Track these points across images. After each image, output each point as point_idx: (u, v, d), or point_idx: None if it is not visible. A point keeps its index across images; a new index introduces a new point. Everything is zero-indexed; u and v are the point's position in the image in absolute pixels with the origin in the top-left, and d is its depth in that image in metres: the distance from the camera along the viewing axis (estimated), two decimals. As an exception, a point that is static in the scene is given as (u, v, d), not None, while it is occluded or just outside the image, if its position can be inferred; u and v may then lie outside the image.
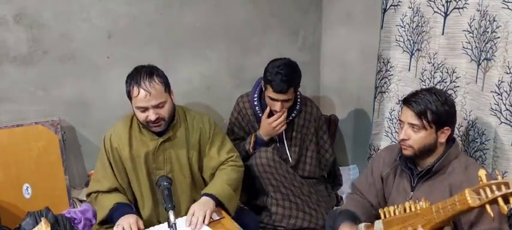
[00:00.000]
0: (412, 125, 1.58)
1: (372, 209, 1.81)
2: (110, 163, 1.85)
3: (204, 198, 1.77)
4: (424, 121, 1.56)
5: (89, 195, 1.89)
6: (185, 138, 1.89)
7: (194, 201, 1.93)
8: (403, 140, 1.61)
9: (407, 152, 1.62)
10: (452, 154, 1.61)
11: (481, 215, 1.48)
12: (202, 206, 1.72)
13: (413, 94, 1.62)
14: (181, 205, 1.91)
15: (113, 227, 1.70)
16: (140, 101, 1.71)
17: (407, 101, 1.61)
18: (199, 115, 1.96)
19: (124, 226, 1.65)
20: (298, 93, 2.26)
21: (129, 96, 1.76)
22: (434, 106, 1.55)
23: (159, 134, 1.83)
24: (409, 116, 1.58)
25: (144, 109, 1.73)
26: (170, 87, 1.81)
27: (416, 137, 1.58)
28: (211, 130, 1.94)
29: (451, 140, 1.65)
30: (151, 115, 1.72)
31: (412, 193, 1.67)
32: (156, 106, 1.73)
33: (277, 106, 2.11)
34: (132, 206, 1.83)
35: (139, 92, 1.70)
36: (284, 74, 2.04)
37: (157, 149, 1.84)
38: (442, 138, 1.60)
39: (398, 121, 1.69)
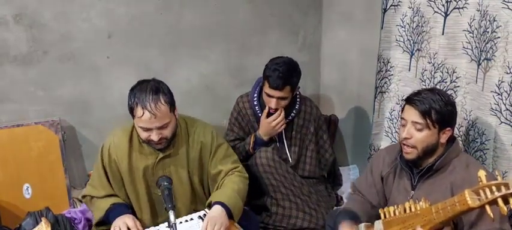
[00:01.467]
0: (415, 124, 1.57)
1: (372, 209, 1.80)
2: (106, 173, 1.80)
3: (218, 208, 1.66)
4: (428, 121, 1.55)
5: (84, 197, 1.87)
6: (186, 152, 1.82)
7: (194, 211, 1.89)
8: (405, 139, 1.59)
9: (410, 156, 1.60)
10: (453, 152, 1.61)
11: (481, 215, 1.47)
12: (219, 220, 1.62)
13: (416, 94, 1.61)
14: (181, 216, 1.87)
15: (109, 228, 1.70)
16: (144, 122, 1.63)
17: (411, 100, 1.59)
18: (202, 127, 1.87)
19: (120, 226, 1.63)
20: (297, 93, 2.26)
21: (132, 113, 1.67)
22: (438, 106, 1.55)
23: (160, 149, 1.76)
24: (413, 115, 1.57)
25: (147, 130, 1.65)
26: (175, 104, 1.72)
27: (419, 136, 1.57)
28: (213, 142, 1.86)
29: (451, 140, 1.65)
30: (154, 136, 1.65)
31: (412, 192, 1.66)
32: (160, 128, 1.65)
33: (272, 103, 2.11)
34: (128, 206, 1.80)
35: (143, 113, 1.60)
36: (281, 71, 2.05)
37: (156, 164, 1.78)
38: (443, 139, 1.59)
39: (400, 121, 1.67)
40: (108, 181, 1.81)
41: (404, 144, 1.62)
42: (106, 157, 1.79)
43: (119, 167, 1.78)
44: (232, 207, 1.69)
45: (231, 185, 1.78)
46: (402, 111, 1.66)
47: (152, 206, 1.85)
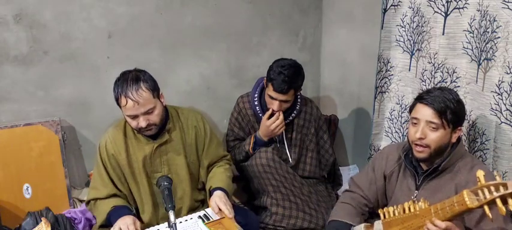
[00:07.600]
0: (430, 123, 1.53)
1: (365, 207, 1.80)
2: (107, 171, 1.84)
3: (219, 192, 1.80)
4: (443, 120, 1.51)
5: (88, 203, 1.89)
6: (181, 138, 1.89)
7: (195, 200, 1.97)
8: (419, 139, 1.55)
9: (423, 154, 1.56)
10: (458, 153, 1.59)
11: (484, 215, 1.46)
12: (225, 200, 1.77)
13: (427, 92, 1.58)
14: (183, 205, 1.92)
15: None
16: (129, 110, 1.70)
17: (424, 99, 1.55)
18: (192, 113, 1.97)
19: (121, 226, 1.66)
20: (298, 93, 2.26)
21: (118, 104, 1.74)
22: (453, 105, 1.52)
23: (154, 137, 1.83)
24: (428, 114, 1.53)
25: (134, 117, 1.72)
26: (159, 90, 1.80)
27: (433, 136, 1.53)
28: (206, 129, 1.96)
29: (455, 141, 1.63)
30: (142, 122, 1.72)
31: (416, 192, 1.65)
32: (146, 113, 1.72)
33: (275, 105, 2.11)
34: (130, 208, 1.83)
35: (127, 102, 1.68)
36: (286, 75, 2.05)
37: (153, 152, 1.84)
38: (454, 138, 1.57)
39: (410, 120, 1.61)
40: (110, 178, 1.85)
41: (417, 144, 1.57)
42: (104, 154, 1.84)
43: (118, 161, 1.84)
44: (229, 190, 1.87)
45: (225, 172, 1.94)
46: (412, 110, 1.61)
47: (153, 196, 1.89)
